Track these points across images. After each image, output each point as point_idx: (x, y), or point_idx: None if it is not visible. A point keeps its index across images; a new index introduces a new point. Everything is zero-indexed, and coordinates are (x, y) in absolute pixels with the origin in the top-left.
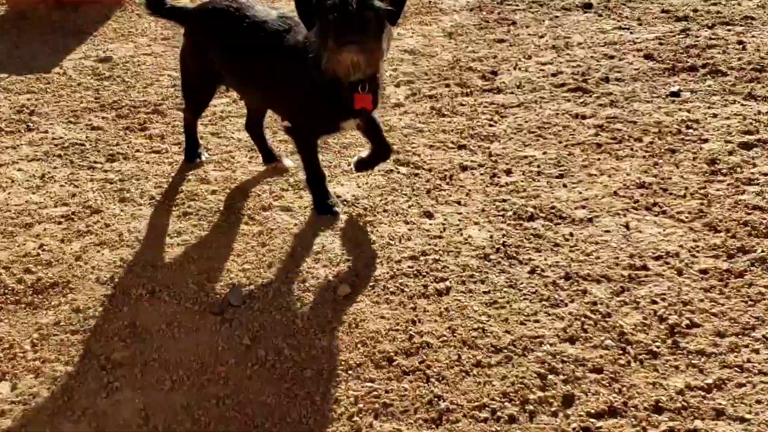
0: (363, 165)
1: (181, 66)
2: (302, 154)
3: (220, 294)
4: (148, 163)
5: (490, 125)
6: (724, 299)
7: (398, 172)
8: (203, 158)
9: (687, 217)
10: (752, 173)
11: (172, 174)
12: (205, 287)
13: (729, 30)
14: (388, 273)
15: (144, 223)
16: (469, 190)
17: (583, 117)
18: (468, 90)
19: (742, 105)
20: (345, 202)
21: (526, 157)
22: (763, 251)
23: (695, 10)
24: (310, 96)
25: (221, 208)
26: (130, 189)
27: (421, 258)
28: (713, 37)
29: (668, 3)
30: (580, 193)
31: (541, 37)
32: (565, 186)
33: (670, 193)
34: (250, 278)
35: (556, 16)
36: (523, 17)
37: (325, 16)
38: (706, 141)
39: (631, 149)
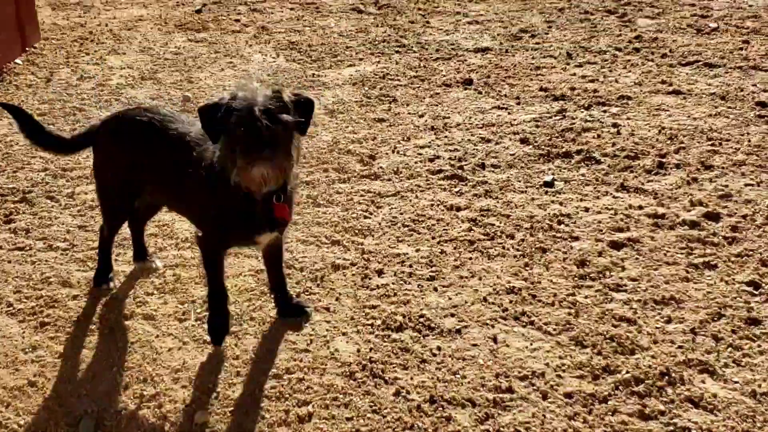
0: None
1: (96, 180)
2: (208, 269)
3: (71, 425)
4: (9, 262)
5: (365, 217)
6: (588, 429)
7: None
8: (111, 285)
9: (554, 329)
10: (620, 278)
11: (34, 275)
12: (56, 415)
13: (605, 111)
14: (249, 396)
15: None
16: (340, 294)
17: (458, 209)
18: (346, 176)
19: (614, 197)
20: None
21: (398, 255)
22: (627, 371)
23: (572, 88)
24: (222, 209)
25: (81, 317)
26: None
27: (285, 377)
28: (589, 119)
29: (547, 80)
30: (450, 298)
31: (421, 116)
32: (435, 290)
33: (539, 300)
34: (103, 403)
35: (437, 93)
36: (404, 93)
37: (233, 130)
38: (576, 239)
39: (503, 247)
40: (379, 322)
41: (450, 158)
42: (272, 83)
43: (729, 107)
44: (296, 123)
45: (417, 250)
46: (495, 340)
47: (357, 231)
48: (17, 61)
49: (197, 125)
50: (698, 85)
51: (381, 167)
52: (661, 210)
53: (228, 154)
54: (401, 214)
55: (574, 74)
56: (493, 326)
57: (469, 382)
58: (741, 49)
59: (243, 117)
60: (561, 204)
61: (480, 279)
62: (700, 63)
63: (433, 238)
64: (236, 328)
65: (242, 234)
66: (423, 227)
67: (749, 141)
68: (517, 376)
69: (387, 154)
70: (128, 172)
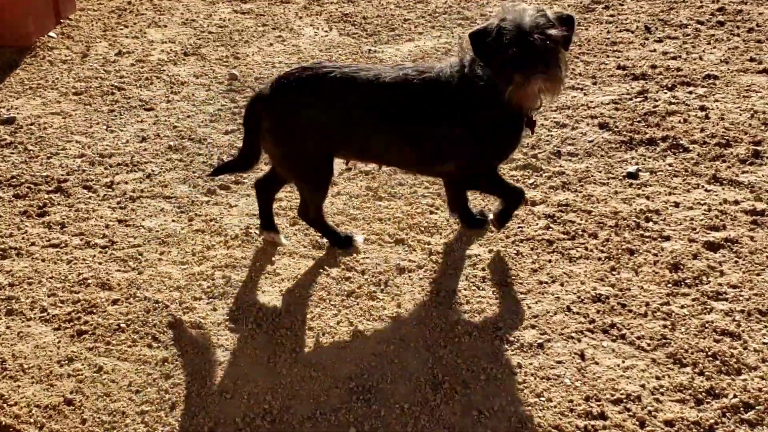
0: (502, 218)
1: (288, 155)
2: (499, 185)
3: None
4: (43, 261)
5: (432, 212)
6: None
7: (327, 275)
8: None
9: (649, 345)
10: (719, 284)
11: (70, 276)
12: None
13: (690, 93)
14: (308, 411)
15: (31, 345)
16: (406, 301)
17: (533, 203)
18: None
19: (706, 191)
20: (265, 319)
21: (470, 256)
22: (735, 395)
23: (653, 66)
24: (494, 132)
25: (122, 324)
26: (20, 298)
27: (349, 399)
28: (673, 101)
29: (624, 57)
30: (530, 307)
31: None
32: (512, 297)
33: (630, 311)
34: (148, 423)
35: None
36: None
37: (506, 50)
38: (667, 239)
39: (586, 248)
40: (449, 332)
41: (522, 145)
42: (536, 4)
43: None
44: (563, 37)
45: (490, 251)
46: (582, 356)
47: (423, 228)
48: (51, 34)
49: (389, 70)
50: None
51: None
52: (759, 206)
53: (501, 73)
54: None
55: (654, 50)
56: (579, 340)
57: (555, 407)
58: None
59: (515, 36)
60: (648, 198)
61: (562, 285)
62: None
63: (507, 237)
64: (291, 338)
65: (509, 150)
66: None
67: None
68: (610, 399)
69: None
70: (327, 134)
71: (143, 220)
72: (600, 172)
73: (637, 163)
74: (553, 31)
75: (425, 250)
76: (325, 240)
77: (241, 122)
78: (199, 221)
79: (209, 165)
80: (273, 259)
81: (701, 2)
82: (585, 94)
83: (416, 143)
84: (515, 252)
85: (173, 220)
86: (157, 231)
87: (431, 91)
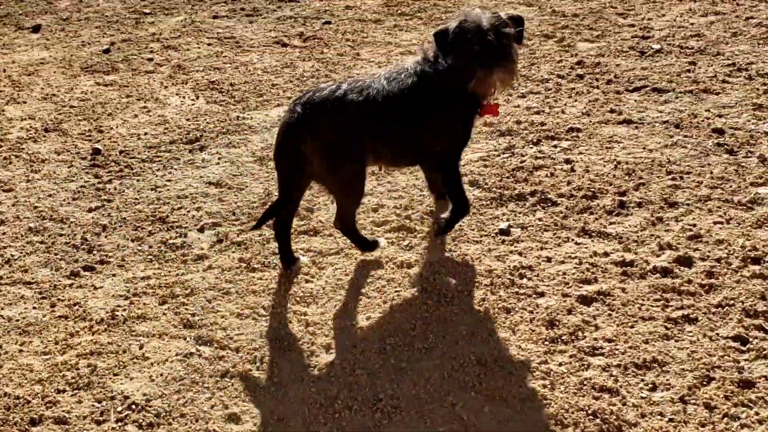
0: (447, 225)
1: (338, 171)
2: (457, 185)
3: None
4: None
5: (307, 281)
6: None
7: (200, 355)
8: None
9: (530, 407)
10: (595, 339)
11: None
12: None
13: (555, 146)
14: None
15: None
16: (283, 378)
17: (409, 266)
18: None
19: (576, 244)
20: (134, 406)
21: (344, 328)
22: None
23: (518, 122)
24: (459, 118)
25: None
26: None
27: None
28: (539, 155)
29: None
30: (409, 373)
31: None
32: (392, 365)
33: (510, 373)
34: None
35: None
36: None
37: (468, 49)
38: (542, 294)
39: (462, 309)
40: (329, 407)
41: (395, 207)
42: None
43: (685, 136)
44: (515, 34)
45: (368, 318)
46: (463, 419)
47: (299, 298)
48: None
49: (377, 80)
50: (649, 113)
51: (320, 221)
52: (628, 256)
53: (465, 68)
54: (347, 275)
55: (518, 105)
56: (458, 405)
57: None
58: (688, 71)
59: (476, 35)
60: (520, 254)
61: (443, 350)
62: (648, 88)
63: (385, 302)
64: (164, 428)
65: (468, 137)
66: (373, 290)
67: (711, 173)
68: None
69: (326, 204)
70: (359, 143)
71: (2, 309)
72: (473, 230)
73: (508, 219)
74: (507, 30)
75: (301, 321)
76: (195, 318)
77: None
78: (62, 306)
79: (72, 246)
80: (142, 341)
81: (560, 57)
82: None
83: (415, 136)
84: (393, 318)
85: (34, 307)
86: (17, 320)
87: (417, 88)
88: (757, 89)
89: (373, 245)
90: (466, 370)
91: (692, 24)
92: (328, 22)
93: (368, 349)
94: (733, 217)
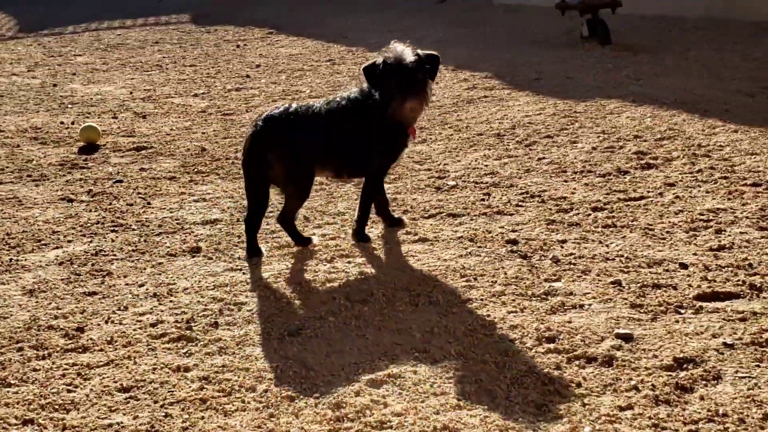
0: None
1: (295, 174)
2: (373, 192)
3: None
4: None
5: (69, 390)
6: None
7: None
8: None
9: None
10: (383, 414)
11: None
12: None
13: (349, 262)
14: None
15: None
16: None
17: (187, 369)
18: (46, 352)
19: (367, 339)
20: None
21: (111, 425)
22: None
23: (314, 245)
24: (389, 140)
25: None
26: None
27: None
28: (333, 270)
29: (285, 239)
30: None
31: (141, 285)
32: None
33: None
34: None
35: (160, 263)
36: (120, 267)
37: (390, 80)
38: (329, 383)
39: (243, 401)
40: None
41: (176, 321)
42: (411, 45)
43: (479, 247)
44: (430, 70)
45: (135, 417)
46: None
47: (58, 406)
48: None
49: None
50: (444, 233)
51: (91, 338)
52: (421, 346)
53: (388, 96)
54: (115, 382)
55: (314, 234)
56: None
57: None
58: (483, 200)
59: (397, 69)
60: (308, 351)
61: None
62: (444, 214)
63: (156, 402)
64: None
65: (397, 155)
66: (143, 393)
67: (505, 274)
68: None
69: (99, 324)
70: (310, 154)
71: None
72: (260, 335)
73: (298, 321)
74: (421, 65)
75: (58, 426)
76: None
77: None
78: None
79: None
80: None
81: (357, 196)
82: (244, 273)
83: (351, 151)
84: (163, 414)
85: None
86: None
87: (352, 111)
88: (550, 209)
89: (307, 240)
90: None
91: (486, 165)
92: (120, 181)
93: None
94: (527, 306)
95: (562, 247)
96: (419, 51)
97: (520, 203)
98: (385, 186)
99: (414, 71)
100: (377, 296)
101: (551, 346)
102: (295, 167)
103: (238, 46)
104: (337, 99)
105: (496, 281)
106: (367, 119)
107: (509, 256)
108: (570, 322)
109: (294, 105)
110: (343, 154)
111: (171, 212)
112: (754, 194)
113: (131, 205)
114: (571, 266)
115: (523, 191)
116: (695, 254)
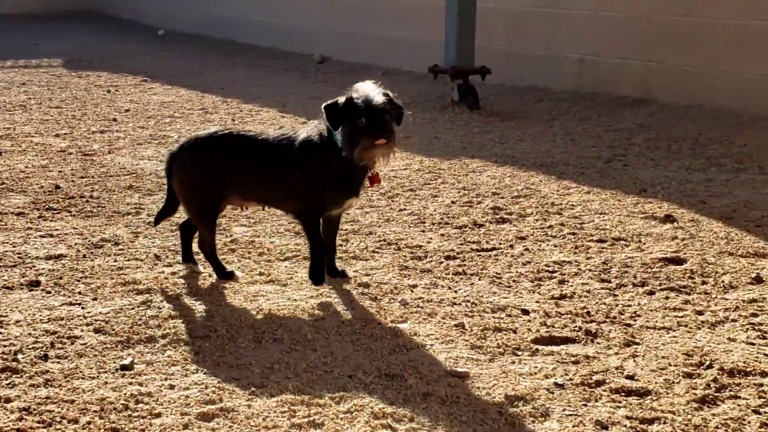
0: (313, 272)
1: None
2: (313, 234)
3: None
4: None
5: None
6: None
7: None
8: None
9: None
10: None
11: None
12: None
13: (197, 300)
14: None
15: None
16: None
17: (8, 400)
18: None
19: (205, 374)
20: None
21: None
22: None
23: (161, 283)
24: (328, 182)
25: None
26: None
27: None
28: (179, 307)
29: (131, 276)
30: None
31: None
32: None
33: None
34: None
35: None
36: None
37: (354, 121)
38: (158, 416)
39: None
40: None
41: (3, 353)
42: (380, 84)
43: (331, 288)
44: (399, 114)
45: None
46: None
47: None
48: None
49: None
50: (298, 275)
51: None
52: (259, 380)
53: (351, 138)
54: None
55: (162, 272)
56: None
57: None
58: (340, 245)
59: (365, 109)
60: (140, 384)
61: None
62: (300, 257)
63: None
64: None
65: (338, 200)
66: None
67: (353, 314)
68: None
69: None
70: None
71: None
72: (91, 368)
73: (132, 357)
74: (390, 108)
75: None
76: None
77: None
78: None
79: None
80: None
81: (217, 238)
82: (83, 308)
83: (279, 185)
84: None
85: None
86: None
87: (296, 146)
88: (405, 256)
89: (229, 275)
90: None
91: (348, 214)
92: None
93: None
94: (371, 346)
95: (412, 291)
96: (389, 92)
97: (376, 250)
98: (244, 230)
99: (384, 112)
100: (220, 332)
101: (389, 383)
102: (192, 192)
103: (108, 91)
104: (289, 133)
105: (343, 321)
106: (322, 157)
107: (360, 298)
108: (410, 360)
109: (231, 130)
110: (263, 187)
111: (13, 246)
112: (598, 249)
113: None
114: (419, 309)
115: (381, 239)
116: (538, 302)
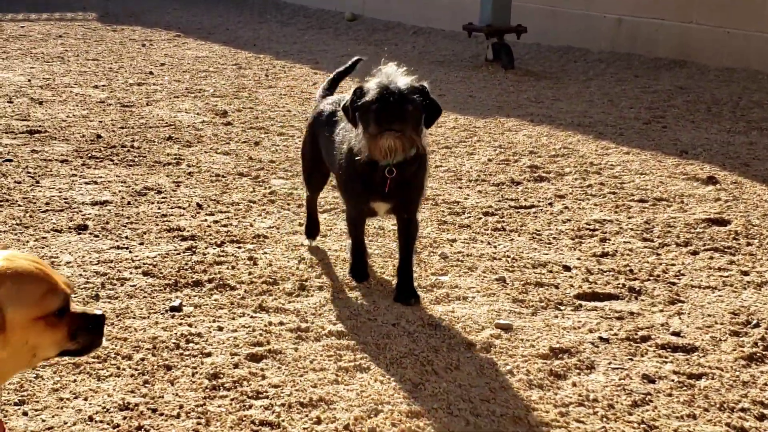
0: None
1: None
2: (349, 232)
3: None
4: None
5: None
6: None
7: None
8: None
9: None
10: (260, 386)
11: None
12: None
13: (239, 247)
14: None
15: None
16: None
17: None
18: None
19: (252, 317)
20: None
21: None
22: None
23: (204, 230)
24: (349, 181)
25: None
26: None
27: None
28: (222, 254)
29: (175, 223)
30: (44, 421)
31: None
32: (25, 414)
33: (161, 414)
34: None
35: (44, 237)
36: (2, 239)
37: (367, 106)
38: (209, 355)
39: (118, 368)
40: None
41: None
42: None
43: (371, 241)
44: (425, 105)
45: None
46: None
47: None
48: None
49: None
50: (337, 227)
51: None
52: (304, 325)
53: (361, 125)
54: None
55: (205, 220)
56: None
57: None
58: None
59: (376, 94)
60: (190, 325)
61: (86, 399)
62: (338, 210)
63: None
64: None
65: (361, 198)
66: None
67: (394, 265)
68: None
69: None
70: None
71: None
72: (141, 309)
73: (180, 300)
74: (414, 96)
75: None
76: None
77: None
78: None
79: None
80: None
81: (254, 189)
82: (130, 252)
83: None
84: (34, 376)
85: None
86: None
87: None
88: (443, 211)
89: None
90: (111, 415)
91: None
92: (9, 160)
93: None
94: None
95: (451, 245)
96: (424, 85)
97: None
98: (282, 182)
99: (403, 99)
100: (265, 278)
101: (433, 332)
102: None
103: (143, 45)
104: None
105: (384, 272)
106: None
107: None
108: (453, 312)
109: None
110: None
111: (59, 192)
112: (640, 209)
113: (19, 183)
114: (459, 263)
115: None
116: (579, 258)
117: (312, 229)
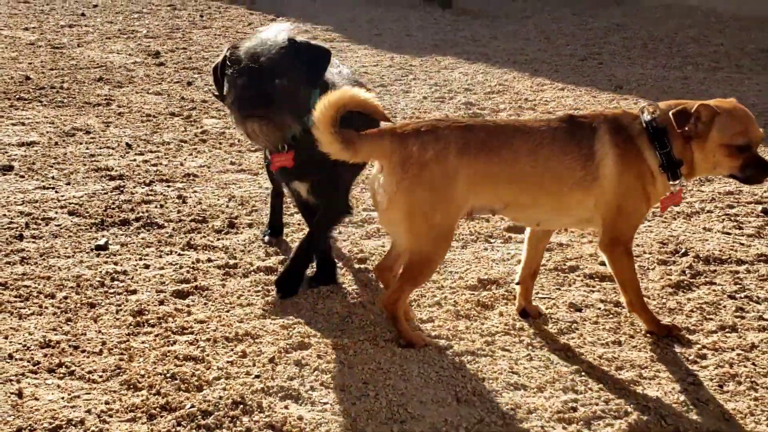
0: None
1: None
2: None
3: None
4: None
5: None
6: None
7: None
8: None
9: (101, 377)
10: (186, 322)
11: None
12: None
13: (169, 186)
14: None
15: None
16: None
17: None
18: None
19: (179, 255)
20: None
21: None
22: (192, 406)
23: (132, 170)
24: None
25: None
26: None
27: None
28: (150, 193)
29: (104, 163)
30: None
31: None
32: None
33: (83, 351)
34: None
35: None
36: None
37: (231, 84)
38: (134, 292)
39: (40, 306)
40: None
41: None
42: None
43: None
44: (301, 75)
45: None
46: (20, 395)
47: None
48: None
49: None
50: None
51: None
52: (232, 261)
53: (229, 101)
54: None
55: (134, 160)
56: (19, 381)
57: None
58: None
59: (239, 70)
60: (116, 264)
61: (6, 338)
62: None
63: None
64: None
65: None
66: None
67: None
68: (48, 428)
69: None
70: None
71: None
72: (66, 248)
73: (107, 239)
74: (287, 69)
75: None
76: None
77: None
78: None
79: None
80: None
81: (185, 128)
82: (57, 192)
83: None
84: None
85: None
86: None
87: None
88: None
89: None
90: (32, 352)
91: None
92: None
93: None
94: (343, 231)
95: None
96: (302, 38)
97: None
98: (214, 121)
99: (268, 74)
100: (194, 217)
101: (361, 266)
102: None
103: None
104: None
105: None
106: None
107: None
108: (383, 246)
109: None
110: None
111: None
112: None
113: None
114: None
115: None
116: None
117: None
